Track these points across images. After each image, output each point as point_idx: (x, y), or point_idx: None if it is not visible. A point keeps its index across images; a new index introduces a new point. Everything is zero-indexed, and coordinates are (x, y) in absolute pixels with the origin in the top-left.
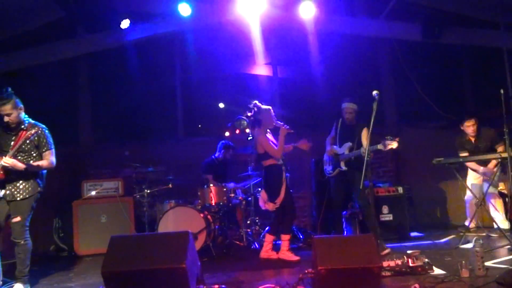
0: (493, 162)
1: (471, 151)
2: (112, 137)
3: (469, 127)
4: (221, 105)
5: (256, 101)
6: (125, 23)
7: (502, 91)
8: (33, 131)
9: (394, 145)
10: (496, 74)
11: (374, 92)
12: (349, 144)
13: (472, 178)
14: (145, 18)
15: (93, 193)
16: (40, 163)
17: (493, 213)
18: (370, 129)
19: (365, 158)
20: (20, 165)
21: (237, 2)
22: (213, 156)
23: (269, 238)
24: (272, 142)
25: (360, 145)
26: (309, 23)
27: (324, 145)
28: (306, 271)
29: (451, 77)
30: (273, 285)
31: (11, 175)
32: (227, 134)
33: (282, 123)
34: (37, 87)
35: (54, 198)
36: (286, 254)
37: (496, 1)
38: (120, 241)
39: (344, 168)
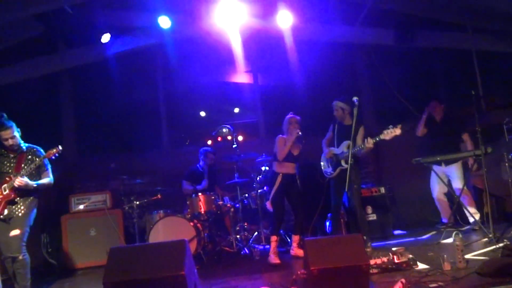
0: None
1: (435, 132)
2: (97, 150)
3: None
4: (202, 114)
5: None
6: (105, 37)
7: (473, 92)
8: (33, 153)
9: (397, 131)
10: (467, 75)
11: (354, 98)
12: (346, 142)
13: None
14: (126, 32)
15: (81, 207)
16: (45, 181)
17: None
18: (352, 132)
19: (349, 162)
20: (31, 184)
21: (215, 13)
22: (197, 165)
23: (294, 238)
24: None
25: (354, 144)
26: (287, 31)
27: (310, 149)
28: (298, 272)
29: (425, 78)
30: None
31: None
32: (209, 142)
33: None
34: (19, 103)
35: (41, 213)
36: (270, 256)
37: (464, 4)
38: (119, 252)
39: (346, 165)
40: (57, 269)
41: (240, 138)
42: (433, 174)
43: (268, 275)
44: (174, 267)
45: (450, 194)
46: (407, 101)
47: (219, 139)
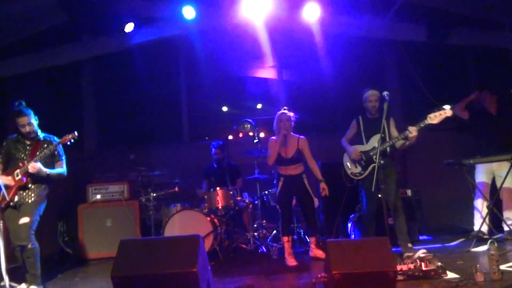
0: None
1: (489, 127)
2: (117, 141)
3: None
4: (225, 109)
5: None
6: (129, 27)
7: None
8: (49, 142)
9: (448, 113)
10: (503, 75)
11: (385, 93)
12: (379, 136)
13: (482, 175)
14: (149, 22)
15: (98, 196)
16: (58, 171)
17: (505, 212)
18: (382, 128)
19: (376, 161)
20: (44, 171)
21: (241, 4)
22: (213, 162)
23: (311, 240)
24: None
25: (390, 137)
26: (314, 25)
27: (335, 147)
28: (319, 276)
29: (457, 78)
30: None
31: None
32: (230, 137)
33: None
34: (41, 92)
35: (58, 202)
36: (285, 258)
37: (501, 2)
38: (130, 245)
39: (380, 162)
40: (72, 258)
41: (262, 134)
42: (478, 174)
43: (286, 276)
44: (186, 263)
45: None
46: (437, 100)
47: (241, 134)
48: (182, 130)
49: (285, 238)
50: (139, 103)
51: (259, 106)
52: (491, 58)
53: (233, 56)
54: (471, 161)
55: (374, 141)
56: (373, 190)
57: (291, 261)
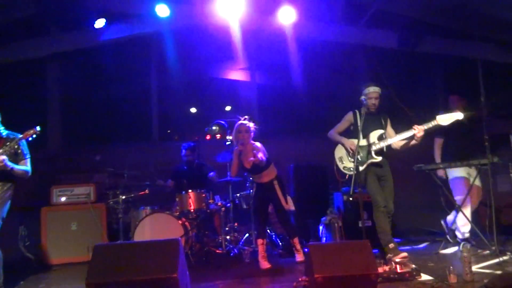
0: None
1: (462, 132)
2: (83, 140)
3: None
4: (193, 110)
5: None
6: (100, 23)
7: (482, 99)
8: (12, 140)
9: (459, 116)
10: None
11: (362, 97)
12: (380, 131)
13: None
14: (121, 18)
15: (63, 199)
16: (23, 168)
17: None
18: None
19: (355, 163)
20: (9, 165)
21: (216, 4)
22: (182, 163)
23: (293, 243)
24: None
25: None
26: (288, 29)
27: (306, 150)
28: (300, 279)
29: (426, 86)
30: None
31: None
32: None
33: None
34: (3, 87)
35: (20, 205)
36: (259, 261)
37: (471, 13)
38: (105, 250)
39: (378, 158)
40: (34, 263)
41: (229, 137)
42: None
43: (261, 280)
44: (166, 268)
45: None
46: (406, 105)
47: (208, 137)
48: (152, 130)
49: (260, 241)
50: (107, 102)
51: (228, 108)
52: (459, 67)
53: (205, 57)
54: (441, 166)
55: (373, 136)
56: (351, 193)
57: (264, 264)
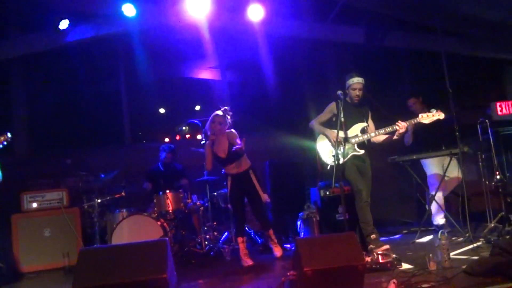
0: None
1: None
2: (52, 144)
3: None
4: (162, 110)
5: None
6: (64, 24)
7: (450, 90)
8: None
9: (441, 115)
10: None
11: (339, 92)
12: (362, 124)
13: (433, 167)
14: (87, 18)
15: (35, 205)
16: None
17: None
18: (338, 129)
19: (336, 156)
20: None
21: (184, 3)
22: (158, 164)
23: (269, 234)
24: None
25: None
26: (257, 26)
27: (280, 147)
28: (288, 274)
29: (393, 80)
30: None
31: None
32: (166, 140)
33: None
34: None
35: None
36: (241, 258)
37: (434, 7)
38: (91, 254)
39: (360, 152)
40: (4, 272)
41: (198, 136)
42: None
43: (244, 277)
44: (155, 269)
45: None
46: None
47: (178, 137)
48: (124, 132)
49: (240, 239)
50: (76, 104)
51: (197, 107)
52: (424, 61)
53: (175, 56)
54: (414, 157)
55: (356, 129)
56: (333, 186)
57: (247, 262)
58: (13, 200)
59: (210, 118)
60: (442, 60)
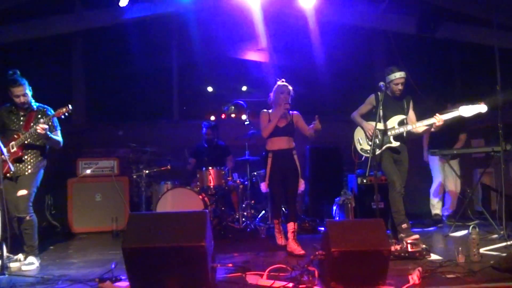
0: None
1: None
2: (107, 116)
3: None
4: (210, 89)
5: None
6: (124, 1)
7: (498, 87)
8: (43, 112)
9: (483, 109)
10: (485, 71)
11: (381, 83)
12: (401, 117)
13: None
14: None
15: (88, 171)
16: (57, 138)
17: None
18: (376, 121)
19: (371, 147)
20: (49, 133)
21: None
22: (202, 141)
23: (289, 227)
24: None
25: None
26: (309, 11)
27: (323, 132)
28: (316, 253)
29: (442, 71)
30: (284, 266)
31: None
32: (212, 118)
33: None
34: (30, 63)
35: (46, 175)
36: (276, 237)
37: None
38: (139, 219)
39: (395, 144)
40: (59, 231)
41: (243, 116)
42: (437, 165)
43: (278, 253)
44: (195, 237)
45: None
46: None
47: (223, 116)
48: (172, 108)
49: (276, 221)
50: (130, 79)
51: (244, 88)
52: (476, 54)
53: (225, 37)
54: (454, 151)
55: (394, 121)
56: (366, 175)
57: (280, 240)
58: (69, 166)
59: (277, 89)
60: (495, 54)
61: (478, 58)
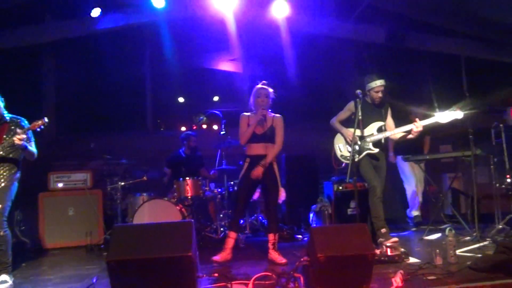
0: None
1: None
2: (78, 128)
3: None
4: (181, 99)
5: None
6: (95, 12)
7: (467, 94)
8: (16, 123)
9: (459, 115)
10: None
11: (358, 91)
12: (379, 124)
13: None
14: (117, 7)
15: (60, 185)
16: (33, 150)
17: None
18: (355, 127)
19: (352, 153)
20: (25, 143)
21: None
22: (180, 151)
23: (269, 238)
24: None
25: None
26: (281, 22)
27: (298, 140)
28: (301, 259)
29: (411, 80)
30: (269, 274)
31: None
32: (183, 128)
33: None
34: None
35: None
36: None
37: (455, 10)
38: (123, 231)
39: (374, 150)
40: (30, 247)
41: (215, 127)
42: (409, 169)
43: (260, 263)
44: (181, 247)
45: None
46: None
47: (194, 127)
48: (146, 119)
49: (233, 234)
50: (102, 90)
51: (215, 98)
52: (444, 63)
53: (198, 47)
54: (427, 157)
55: (373, 128)
56: (347, 180)
57: (223, 256)
58: (40, 180)
59: (255, 91)
60: (461, 63)
61: (447, 67)
